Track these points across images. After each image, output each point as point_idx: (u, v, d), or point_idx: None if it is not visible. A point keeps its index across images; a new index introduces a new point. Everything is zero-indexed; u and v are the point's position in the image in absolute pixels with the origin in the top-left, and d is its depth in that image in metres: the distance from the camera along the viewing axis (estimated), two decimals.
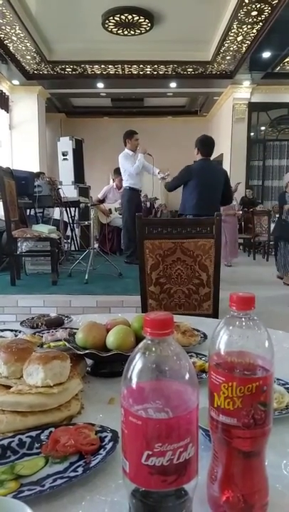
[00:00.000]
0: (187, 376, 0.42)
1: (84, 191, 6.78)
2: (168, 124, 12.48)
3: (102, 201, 6.75)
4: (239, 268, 6.91)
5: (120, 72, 8.63)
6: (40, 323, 1.20)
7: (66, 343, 0.87)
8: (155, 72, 8.60)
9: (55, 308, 3.13)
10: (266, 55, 7.77)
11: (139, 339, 0.84)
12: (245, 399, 0.44)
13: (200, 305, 1.66)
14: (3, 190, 3.71)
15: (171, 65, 8.20)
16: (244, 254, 9.03)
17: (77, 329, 0.96)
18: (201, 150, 3.90)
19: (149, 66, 8.28)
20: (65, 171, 6.80)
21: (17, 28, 6.62)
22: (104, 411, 0.71)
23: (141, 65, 8.23)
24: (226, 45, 7.19)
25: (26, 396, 0.65)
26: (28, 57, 7.81)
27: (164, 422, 0.40)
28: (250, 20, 6.26)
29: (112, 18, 6.40)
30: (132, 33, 6.93)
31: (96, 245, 4.70)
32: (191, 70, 8.43)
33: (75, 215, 5.85)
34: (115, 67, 8.36)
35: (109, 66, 8.28)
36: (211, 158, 4.10)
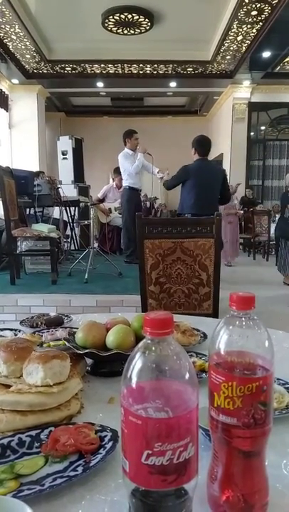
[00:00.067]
0: (187, 376, 0.42)
1: (84, 190, 6.77)
2: (168, 123, 12.47)
3: (101, 200, 6.75)
4: (239, 268, 6.92)
5: (120, 72, 8.62)
6: (39, 323, 1.20)
7: (66, 343, 0.87)
8: (155, 72, 8.60)
9: (54, 308, 3.13)
10: (266, 54, 7.77)
11: (139, 339, 0.84)
12: (245, 398, 0.44)
13: (200, 305, 1.66)
14: (2, 190, 3.71)
15: (171, 65, 8.19)
16: (244, 254, 9.03)
17: (77, 328, 0.96)
18: (198, 150, 3.94)
19: (148, 65, 8.27)
20: (65, 170, 6.78)
21: (16, 26, 6.62)
22: (104, 410, 0.71)
23: (141, 65, 8.23)
24: (226, 44, 7.19)
25: (26, 395, 0.65)
26: (28, 56, 7.80)
27: (164, 421, 0.40)
28: (250, 19, 6.27)
29: (111, 17, 6.40)
30: (132, 32, 6.93)
31: (96, 245, 4.69)
32: (191, 69, 8.43)
33: (74, 214, 5.85)
34: (115, 67, 8.35)
35: (109, 65, 8.28)
36: (210, 157, 4.12)
